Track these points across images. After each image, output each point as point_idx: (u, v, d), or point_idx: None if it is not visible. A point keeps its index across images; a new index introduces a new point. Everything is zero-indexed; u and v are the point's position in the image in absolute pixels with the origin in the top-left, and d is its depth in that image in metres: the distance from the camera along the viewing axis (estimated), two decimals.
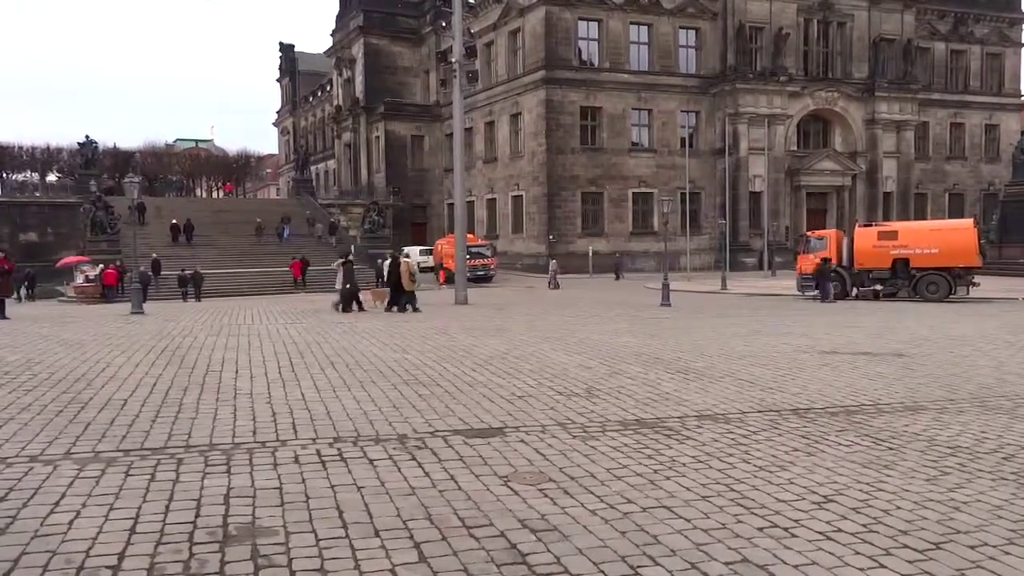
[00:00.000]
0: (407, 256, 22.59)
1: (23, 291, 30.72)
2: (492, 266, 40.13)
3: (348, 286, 21.02)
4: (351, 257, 22.84)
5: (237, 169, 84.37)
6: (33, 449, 6.37)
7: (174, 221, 41.38)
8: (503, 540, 4.46)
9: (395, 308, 20.93)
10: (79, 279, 32.27)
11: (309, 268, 35.31)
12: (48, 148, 69.10)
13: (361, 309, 21.00)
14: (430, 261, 43.73)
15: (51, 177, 67.60)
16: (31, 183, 63.07)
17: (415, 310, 20.78)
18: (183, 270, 31.28)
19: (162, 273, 32.71)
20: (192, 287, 30.45)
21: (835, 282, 25.87)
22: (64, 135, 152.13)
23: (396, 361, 11.33)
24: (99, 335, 15.37)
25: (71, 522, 4.71)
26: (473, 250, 35.60)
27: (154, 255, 33.36)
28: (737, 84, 46.35)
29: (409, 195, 55.71)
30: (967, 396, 8.91)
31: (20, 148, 68.46)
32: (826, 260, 25.40)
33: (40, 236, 39.48)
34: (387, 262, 23.35)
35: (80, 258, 34.14)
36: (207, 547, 4.34)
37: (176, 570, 4.04)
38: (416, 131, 57.61)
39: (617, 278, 40.56)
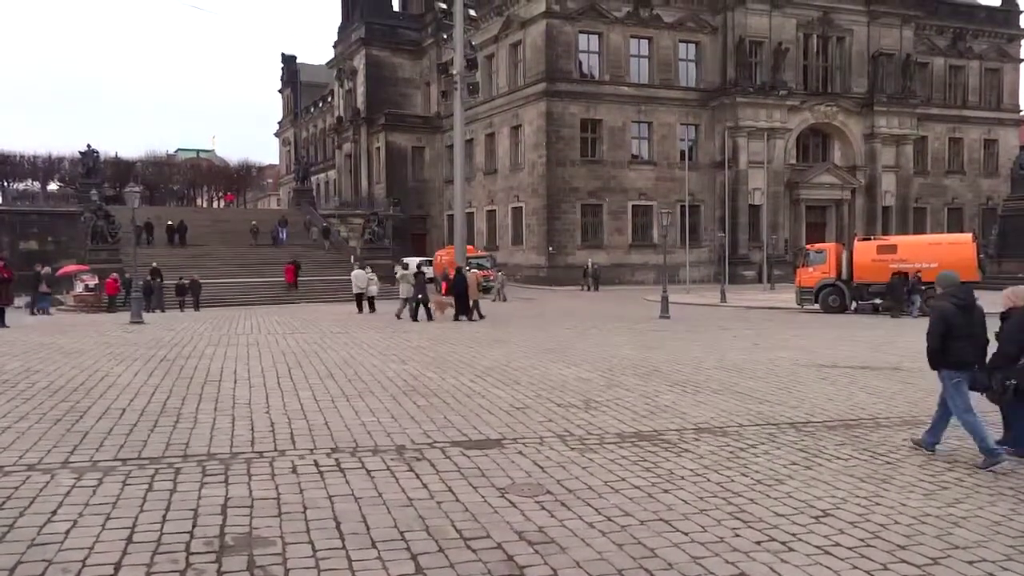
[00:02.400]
0: (472, 268, 23.94)
1: None
2: (492, 278, 40.12)
3: (420, 296, 22.03)
4: (422, 269, 23.54)
5: (238, 179, 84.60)
6: (31, 458, 6.37)
7: (169, 222, 41.61)
8: (500, 552, 4.46)
9: (463, 317, 21.79)
10: (79, 288, 32.25)
11: (302, 276, 35.38)
12: (49, 157, 69.36)
13: (429, 318, 21.71)
14: (430, 272, 43.63)
15: (52, 186, 67.72)
16: (32, 192, 63.15)
17: (480, 317, 21.97)
18: (180, 279, 31.14)
19: (164, 282, 32.65)
20: (191, 296, 30.33)
21: (834, 295, 25.83)
22: (65, 144, 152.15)
23: (395, 372, 11.33)
24: (98, 344, 15.36)
25: (68, 531, 4.71)
26: (473, 262, 35.59)
27: (154, 263, 33.34)
28: (737, 98, 46.51)
29: (409, 206, 55.78)
30: None
31: (21, 157, 68.70)
32: (902, 273, 24.28)
33: (40, 245, 39.48)
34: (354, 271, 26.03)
35: (80, 267, 34.12)
36: (204, 557, 4.34)
37: None
38: (417, 142, 57.77)
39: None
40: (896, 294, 24.32)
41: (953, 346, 6.59)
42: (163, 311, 28.23)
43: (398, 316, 22.04)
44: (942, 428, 6.88)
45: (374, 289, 25.86)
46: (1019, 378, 6.49)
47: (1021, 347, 6.59)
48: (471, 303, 22.17)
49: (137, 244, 34.73)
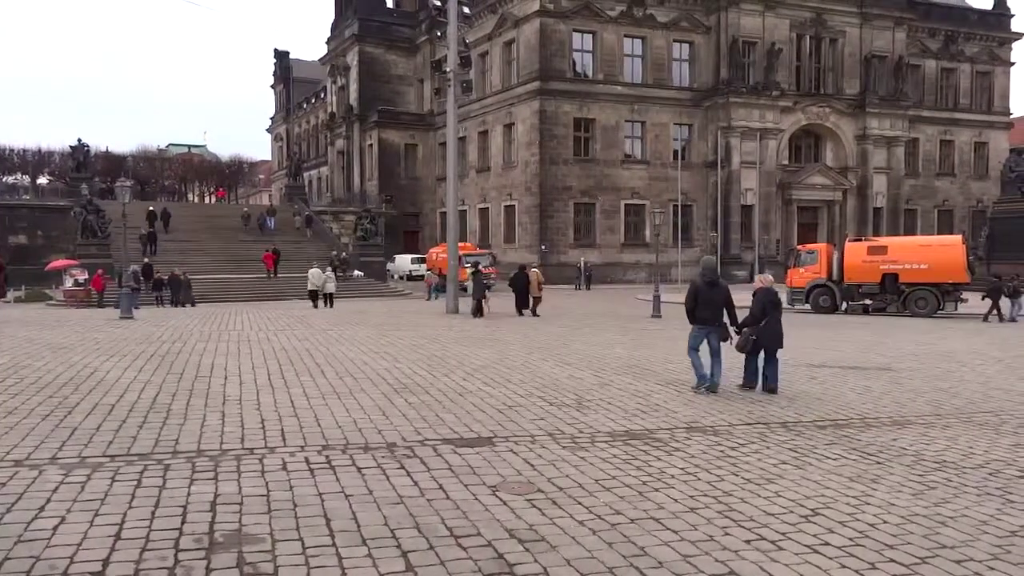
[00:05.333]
0: (535, 268, 25.19)
1: None
2: (494, 275, 39.92)
3: (485, 293, 23.04)
4: (480, 267, 25.15)
5: (230, 175, 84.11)
6: (18, 453, 6.33)
7: (151, 208, 40.97)
8: (491, 550, 4.46)
9: (526, 312, 23.01)
10: (68, 283, 32.05)
11: (290, 272, 35.28)
12: (39, 151, 68.84)
13: (481, 315, 22.32)
14: (423, 270, 43.61)
15: (42, 180, 67.20)
16: (22, 185, 62.68)
17: (535, 315, 22.80)
18: (157, 272, 30.66)
19: (154, 278, 32.34)
20: (168, 291, 29.66)
21: (825, 296, 25.95)
22: (56, 138, 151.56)
23: (387, 369, 11.31)
24: (87, 339, 15.29)
25: (55, 528, 4.68)
26: (470, 259, 35.46)
27: (146, 260, 33.14)
28: (730, 98, 46.62)
29: (402, 203, 55.67)
30: (954, 411, 8.96)
31: (11, 150, 68.16)
32: (998, 276, 23.64)
33: (30, 239, 39.21)
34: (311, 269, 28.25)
35: (69, 262, 33.90)
36: (193, 554, 4.32)
37: None
38: (410, 139, 57.67)
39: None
40: (995, 297, 23.53)
41: (699, 309, 9.87)
42: (193, 305, 28.58)
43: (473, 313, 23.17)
44: (717, 365, 9.83)
45: (331, 287, 27.56)
46: (759, 335, 9.79)
47: (763, 313, 9.80)
48: (531, 300, 23.15)
49: (144, 254, 34.56)
